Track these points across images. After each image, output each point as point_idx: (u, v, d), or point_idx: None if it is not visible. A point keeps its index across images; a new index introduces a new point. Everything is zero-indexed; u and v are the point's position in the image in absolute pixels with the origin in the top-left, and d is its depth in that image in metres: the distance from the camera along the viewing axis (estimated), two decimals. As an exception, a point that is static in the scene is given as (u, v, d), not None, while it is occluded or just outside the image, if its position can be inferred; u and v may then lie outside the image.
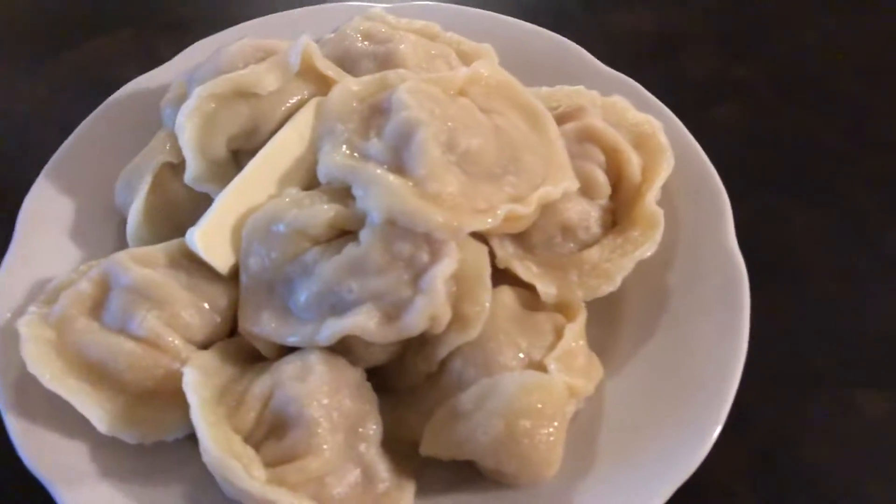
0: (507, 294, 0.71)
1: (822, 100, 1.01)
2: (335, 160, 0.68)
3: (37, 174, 0.81)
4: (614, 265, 0.72)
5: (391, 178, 0.66)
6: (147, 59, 0.96)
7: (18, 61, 1.06)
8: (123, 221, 0.78)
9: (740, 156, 0.94)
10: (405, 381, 0.70)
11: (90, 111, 0.85)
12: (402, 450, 0.66)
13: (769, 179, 0.93)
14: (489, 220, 0.66)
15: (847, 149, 0.96)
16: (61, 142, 0.83)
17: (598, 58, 0.89)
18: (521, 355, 0.67)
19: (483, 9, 0.95)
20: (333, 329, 0.64)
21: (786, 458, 0.75)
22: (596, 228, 0.75)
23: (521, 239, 0.74)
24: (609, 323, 0.75)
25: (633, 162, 0.77)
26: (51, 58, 1.06)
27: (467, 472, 0.67)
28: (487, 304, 0.67)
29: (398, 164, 0.68)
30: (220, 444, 0.59)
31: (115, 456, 0.66)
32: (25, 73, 1.05)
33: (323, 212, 0.68)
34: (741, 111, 1.00)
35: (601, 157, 0.77)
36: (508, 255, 0.73)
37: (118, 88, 0.87)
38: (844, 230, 0.89)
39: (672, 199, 0.78)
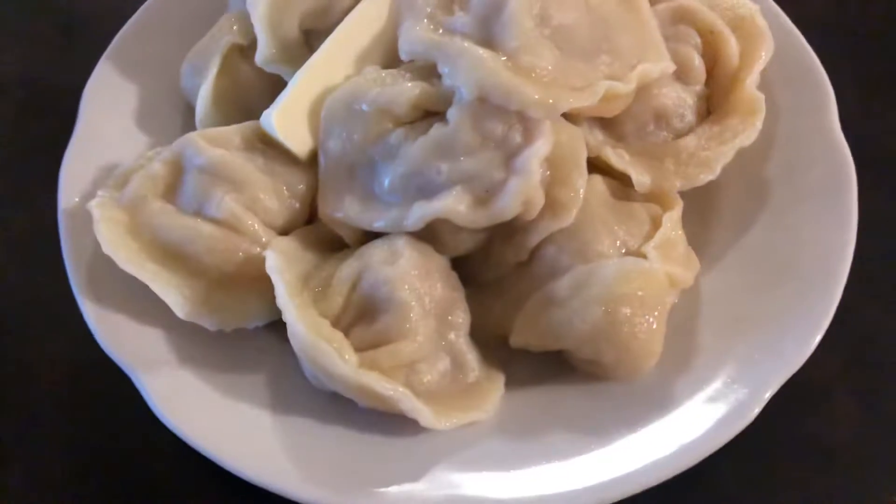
0: (599, 182, 0.67)
1: None
2: (418, 35, 0.64)
3: (97, 59, 0.77)
4: (713, 153, 0.68)
5: (481, 51, 0.62)
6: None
7: None
8: (189, 106, 0.75)
9: (832, 45, 0.88)
10: (492, 272, 0.67)
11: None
12: (488, 341, 0.64)
13: (868, 74, 0.88)
14: (588, 98, 0.62)
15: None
16: (120, 23, 0.79)
17: None
18: (618, 243, 0.64)
19: None
20: (422, 212, 0.61)
21: (885, 360, 0.71)
22: (691, 116, 0.71)
23: (611, 126, 0.70)
24: (704, 216, 0.71)
25: (732, 45, 0.72)
26: None
27: (557, 366, 0.64)
28: (582, 189, 0.63)
29: (487, 38, 0.63)
30: (309, 328, 0.57)
31: (193, 342, 0.64)
32: None
33: (407, 89, 0.64)
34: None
35: (697, 40, 0.73)
36: (599, 142, 0.69)
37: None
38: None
39: (770, 87, 0.73)
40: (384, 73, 0.66)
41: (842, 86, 0.74)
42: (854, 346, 0.72)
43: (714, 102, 0.73)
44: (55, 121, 0.80)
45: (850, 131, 0.70)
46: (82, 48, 0.87)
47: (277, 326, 0.62)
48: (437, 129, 0.63)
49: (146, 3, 0.80)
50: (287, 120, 0.65)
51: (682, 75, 0.71)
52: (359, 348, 0.58)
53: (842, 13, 0.94)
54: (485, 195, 0.61)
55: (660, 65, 0.66)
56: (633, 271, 0.60)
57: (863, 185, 0.68)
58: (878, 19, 0.93)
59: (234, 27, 0.74)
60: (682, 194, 0.69)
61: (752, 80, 0.70)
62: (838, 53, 0.87)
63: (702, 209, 0.71)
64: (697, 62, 0.72)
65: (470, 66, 0.61)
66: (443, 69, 0.63)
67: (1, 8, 0.97)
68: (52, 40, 0.94)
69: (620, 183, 0.69)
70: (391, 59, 0.68)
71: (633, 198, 0.68)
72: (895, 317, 0.74)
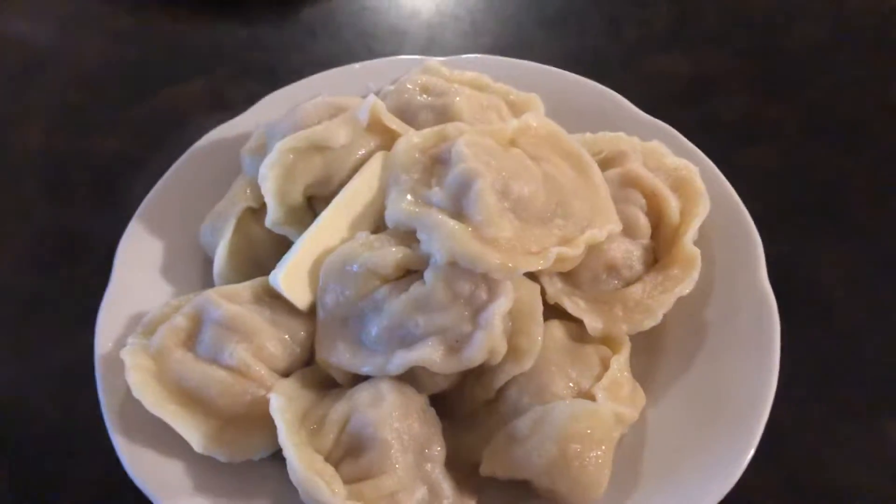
0: (557, 327, 0.77)
1: (851, 141, 1.06)
2: (401, 207, 0.75)
3: (122, 217, 0.88)
4: (656, 301, 0.78)
5: (452, 223, 0.72)
6: (218, 106, 1.06)
7: (96, 110, 1.15)
8: (207, 259, 0.86)
9: (771, 195, 1.00)
10: (465, 408, 0.76)
11: (168, 157, 0.93)
12: (463, 470, 0.73)
13: (799, 218, 0.98)
14: (541, 262, 0.72)
15: (876, 189, 1.01)
16: (143, 186, 0.91)
17: (636, 101, 0.95)
18: (571, 384, 0.73)
19: (529, 59, 1.01)
20: (402, 360, 0.71)
21: (815, 482, 0.80)
22: (638, 266, 0.81)
23: (569, 276, 0.80)
24: (650, 354, 0.81)
25: (672, 205, 0.82)
26: (127, 107, 1.14)
27: (523, 492, 0.73)
28: (540, 339, 0.73)
29: (458, 210, 0.74)
30: (305, 464, 0.67)
31: (207, 473, 0.73)
32: (103, 122, 1.13)
33: (391, 254, 0.75)
34: (773, 152, 1.05)
35: (642, 201, 0.83)
36: (558, 291, 0.79)
37: (191, 133, 0.95)
38: (871, 266, 0.94)
39: (708, 240, 0.84)
40: (373, 238, 0.77)
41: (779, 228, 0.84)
42: (786, 469, 0.81)
43: (660, 252, 0.83)
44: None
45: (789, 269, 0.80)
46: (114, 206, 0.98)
47: (279, 457, 0.71)
48: (415, 288, 0.73)
49: (171, 168, 0.91)
50: (291, 280, 0.76)
51: (630, 231, 0.82)
52: (347, 480, 0.67)
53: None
54: (455, 345, 0.71)
55: (606, 228, 0.77)
56: (583, 412, 0.70)
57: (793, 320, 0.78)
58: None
59: (248, 191, 0.86)
60: (631, 335, 0.78)
61: (689, 237, 0.81)
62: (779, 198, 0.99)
63: (648, 348, 0.81)
64: (643, 220, 0.82)
65: (443, 237, 0.71)
66: (421, 236, 0.73)
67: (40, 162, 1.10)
68: (88, 197, 1.05)
69: (576, 325, 0.79)
70: (380, 225, 0.79)
71: (586, 339, 0.78)
72: (824, 444, 0.83)
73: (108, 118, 1.13)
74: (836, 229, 0.98)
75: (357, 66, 1.00)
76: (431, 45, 1.19)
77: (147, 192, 0.90)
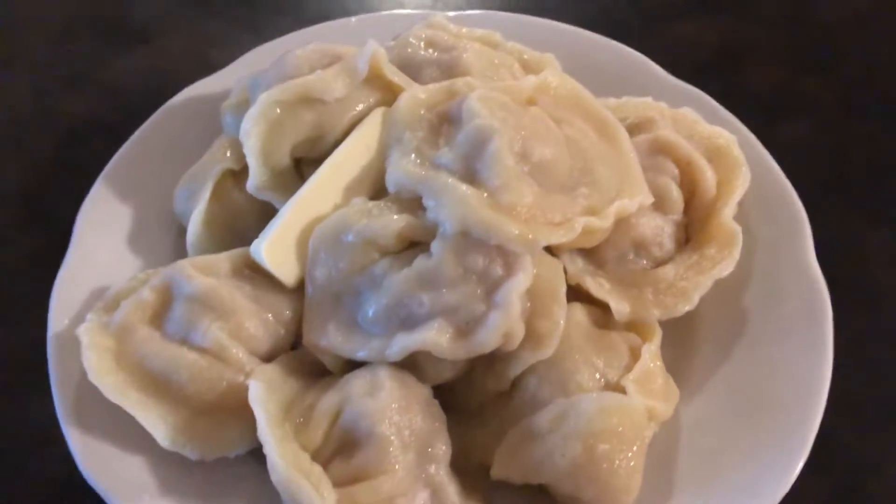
0: (579, 311, 0.70)
1: (892, 114, 0.99)
2: (405, 169, 0.67)
3: (92, 181, 0.80)
4: (691, 283, 0.70)
5: (464, 188, 0.65)
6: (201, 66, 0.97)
7: (71, 66, 1.06)
8: (181, 229, 0.78)
9: (807, 172, 0.91)
10: (473, 400, 0.68)
11: (144, 117, 0.85)
12: (470, 471, 0.65)
13: (838, 197, 0.92)
14: (566, 234, 0.64)
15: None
16: (115, 148, 0.82)
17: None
18: (598, 375, 0.65)
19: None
20: (404, 344, 0.63)
21: (870, 490, 0.72)
22: (669, 244, 0.74)
23: (592, 254, 0.73)
24: (683, 344, 0.73)
25: (709, 176, 0.75)
26: (103, 64, 1.06)
27: (538, 499, 0.64)
28: (562, 322, 0.65)
29: (470, 174, 0.66)
30: (288, 462, 0.58)
31: (175, 471, 0.65)
32: (77, 80, 1.05)
33: (393, 222, 0.66)
34: (808, 127, 0.98)
35: (675, 171, 0.76)
36: (580, 270, 0.71)
37: (169, 95, 0.87)
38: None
39: (748, 216, 0.77)
40: (371, 204, 0.69)
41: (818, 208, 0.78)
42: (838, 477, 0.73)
43: (692, 230, 0.75)
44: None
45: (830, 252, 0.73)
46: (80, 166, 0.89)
47: (258, 454, 0.62)
48: (420, 261, 0.65)
49: (142, 127, 0.84)
50: (276, 251, 0.68)
51: (660, 205, 0.74)
52: (338, 483, 0.59)
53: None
54: (465, 328, 0.63)
55: (636, 199, 0.69)
56: (613, 407, 0.62)
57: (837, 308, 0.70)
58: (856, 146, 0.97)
59: (228, 152, 0.78)
60: (662, 322, 0.70)
61: (728, 211, 0.73)
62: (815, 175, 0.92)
63: (681, 337, 0.73)
64: (675, 193, 0.75)
65: (453, 203, 0.63)
66: (428, 203, 0.65)
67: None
68: (52, 156, 0.96)
69: (600, 310, 0.71)
70: (379, 190, 0.71)
71: (612, 326, 0.70)
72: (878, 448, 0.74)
73: (80, 76, 1.04)
74: (882, 211, 0.90)
75: (353, 19, 0.93)
76: (436, 1, 1.11)
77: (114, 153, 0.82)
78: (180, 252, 0.77)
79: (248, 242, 0.70)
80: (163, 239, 0.79)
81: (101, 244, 0.77)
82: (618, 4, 1.12)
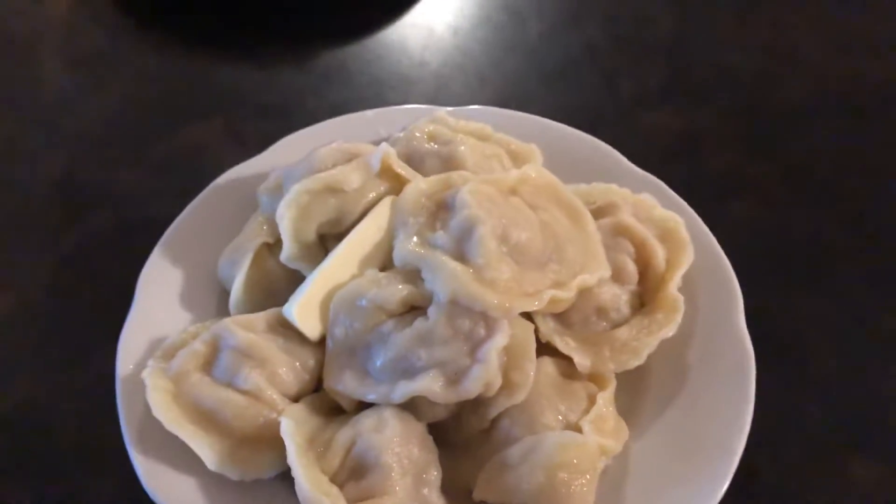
0: (548, 364, 0.83)
1: (829, 199, 1.12)
2: (407, 248, 0.81)
3: (143, 250, 0.93)
4: (641, 343, 0.83)
5: (454, 265, 0.78)
6: (236, 143, 1.12)
7: (115, 150, 1.19)
8: (224, 291, 0.91)
9: (753, 245, 1.06)
10: (461, 436, 0.81)
11: (188, 194, 0.98)
12: (457, 494, 0.78)
13: (779, 267, 1.04)
14: (536, 303, 0.78)
15: (850, 244, 1.07)
16: (163, 221, 0.96)
17: (629, 153, 1.01)
18: (560, 417, 0.79)
19: (529, 111, 1.07)
20: (405, 390, 0.76)
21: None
22: (625, 310, 0.87)
23: (561, 317, 0.85)
24: (635, 392, 0.86)
25: (659, 254, 0.88)
26: (146, 146, 1.19)
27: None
28: (532, 374, 0.78)
29: (460, 254, 0.80)
30: (312, 484, 0.71)
31: (220, 489, 0.78)
32: (123, 161, 1.18)
33: (398, 291, 0.80)
34: (755, 205, 1.11)
35: (631, 249, 0.89)
36: (550, 330, 0.84)
37: (209, 168, 1.01)
38: (846, 320, 1.00)
39: (692, 287, 0.89)
40: (381, 275, 0.82)
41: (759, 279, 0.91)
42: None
43: (645, 298, 0.88)
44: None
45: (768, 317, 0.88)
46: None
47: (287, 476, 0.75)
48: (419, 323, 0.78)
49: (192, 203, 0.96)
50: (304, 312, 0.81)
51: (618, 277, 0.87)
52: (350, 500, 0.71)
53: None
54: (454, 377, 0.76)
55: (597, 273, 0.83)
56: (570, 443, 0.75)
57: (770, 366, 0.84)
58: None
59: (264, 227, 0.91)
60: (617, 374, 0.84)
61: (674, 283, 0.86)
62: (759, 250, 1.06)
63: (633, 386, 0.86)
64: (631, 267, 0.87)
65: (446, 277, 0.77)
66: (426, 276, 0.79)
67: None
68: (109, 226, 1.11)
69: (566, 362, 0.84)
70: (388, 263, 0.84)
71: (575, 376, 0.83)
72: (796, 480, 0.88)
73: (131, 153, 1.18)
74: (811, 280, 1.03)
75: (370, 113, 1.05)
76: (439, 93, 1.25)
77: (167, 224, 0.95)
78: (223, 310, 0.89)
79: (281, 303, 0.83)
80: (209, 298, 0.91)
81: (158, 302, 0.89)
82: (596, 95, 1.25)
